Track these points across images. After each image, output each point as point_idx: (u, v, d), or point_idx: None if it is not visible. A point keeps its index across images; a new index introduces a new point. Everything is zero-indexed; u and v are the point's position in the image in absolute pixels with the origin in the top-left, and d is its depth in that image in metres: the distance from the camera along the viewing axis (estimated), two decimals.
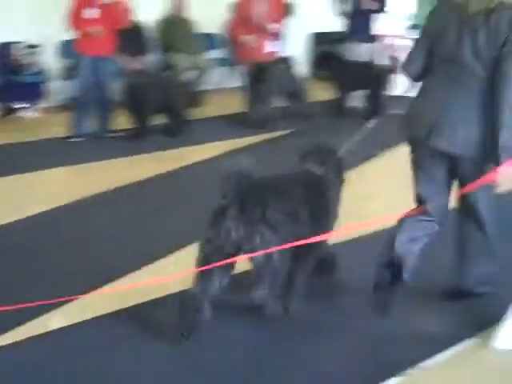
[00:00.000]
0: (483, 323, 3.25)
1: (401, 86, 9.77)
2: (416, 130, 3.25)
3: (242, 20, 7.86)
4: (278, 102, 7.84)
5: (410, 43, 10.24)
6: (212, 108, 8.27)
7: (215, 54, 9.33)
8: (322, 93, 8.84)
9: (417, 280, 3.35)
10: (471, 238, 3.34)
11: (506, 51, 2.97)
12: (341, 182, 3.55)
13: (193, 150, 6.76)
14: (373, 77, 8.18)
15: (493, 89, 3.00)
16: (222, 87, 9.35)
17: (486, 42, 3.01)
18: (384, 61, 9.55)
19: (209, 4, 8.96)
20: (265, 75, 7.47)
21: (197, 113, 7.89)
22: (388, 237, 3.35)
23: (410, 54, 3.38)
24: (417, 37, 3.38)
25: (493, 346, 3.06)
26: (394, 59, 10.43)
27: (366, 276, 3.38)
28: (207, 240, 3.01)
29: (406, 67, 3.39)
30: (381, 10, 8.80)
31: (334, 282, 3.65)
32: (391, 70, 8.52)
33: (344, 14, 8.66)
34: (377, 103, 8.12)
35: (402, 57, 9.73)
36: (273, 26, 7.93)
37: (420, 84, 3.36)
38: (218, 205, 2.99)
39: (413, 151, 3.33)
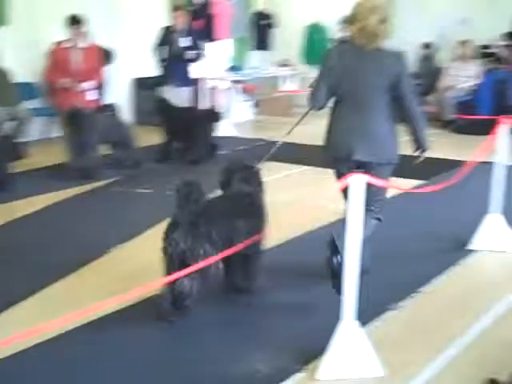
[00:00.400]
0: (308, 355, 3.40)
1: (224, 127, 10.14)
2: (339, 150, 4.09)
3: (58, 67, 7.75)
4: (102, 150, 7.76)
5: (229, 85, 10.69)
6: (35, 160, 8.00)
7: (35, 103, 9.08)
8: (148, 138, 8.89)
9: None
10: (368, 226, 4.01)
11: (402, 80, 3.92)
12: (262, 192, 4.24)
13: (17, 204, 6.52)
14: (197, 121, 8.30)
15: (402, 106, 3.98)
16: (44, 138, 9.14)
17: (379, 72, 3.93)
18: (206, 104, 9.81)
19: (25, 53, 8.76)
20: (85, 123, 7.37)
21: (19, 165, 7.62)
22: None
23: (314, 90, 4.09)
24: (318, 75, 4.09)
25: (318, 378, 3.21)
26: (215, 101, 10.76)
27: None
28: (163, 249, 3.69)
29: (312, 101, 4.11)
30: (198, 57, 8.97)
31: None
32: (214, 112, 8.72)
33: (162, 59, 8.73)
34: (204, 146, 8.26)
35: (223, 99, 10.12)
36: (91, 74, 7.89)
37: (330, 113, 4.18)
38: (172, 217, 3.68)
39: (336, 167, 4.18)
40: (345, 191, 3.71)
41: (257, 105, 12.45)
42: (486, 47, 11.03)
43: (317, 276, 4.30)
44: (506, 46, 10.33)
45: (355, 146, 4.00)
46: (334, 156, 4.15)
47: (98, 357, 3.45)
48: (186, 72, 8.83)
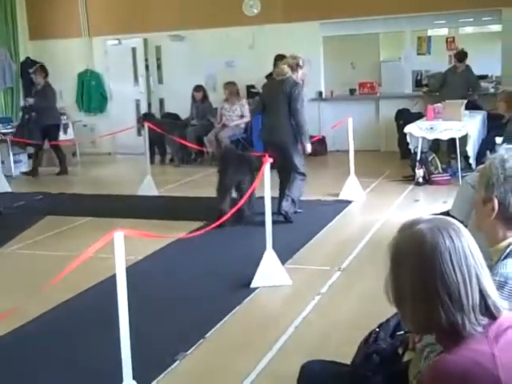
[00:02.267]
0: None
1: None
2: (265, 136, 7.12)
3: None
4: None
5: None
6: None
7: None
8: None
9: None
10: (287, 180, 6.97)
11: (293, 98, 6.73)
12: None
13: None
14: None
15: (293, 115, 6.75)
16: None
17: (284, 93, 6.73)
18: None
19: None
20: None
21: None
22: None
23: (255, 107, 7.64)
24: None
25: None
26: None
27: None
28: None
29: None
30: None
31: None
32: None
33: None
34: None
35: None
36: None
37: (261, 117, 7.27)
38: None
39: (265, 147, 6.97)
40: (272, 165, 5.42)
41: (32, 157, 11.93)
42: (252, 87, 11.62)
43: (103, 333, 4.19)
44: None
45: (272, 134, 6.94)
46: (263, 140, 7.18)
47: None
48: None
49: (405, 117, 10.27)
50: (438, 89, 10.33)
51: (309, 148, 7.02)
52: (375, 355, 2.34)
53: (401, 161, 10.09)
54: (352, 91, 11.82)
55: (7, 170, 10.52)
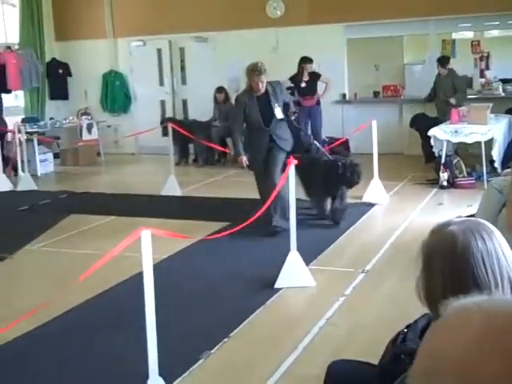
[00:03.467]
0: None
1: (24, 181, 9.73)
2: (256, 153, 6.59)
3: None
4: None
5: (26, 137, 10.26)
6: None
7: None
8: None
9: None
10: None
11: (286, 99, 6.65)
12: None
13: None
14: None
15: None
16: None
17: (275, 102, 6.36)
18: None
19: None
20: None
21: None
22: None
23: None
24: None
25: None
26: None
27: None
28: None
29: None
30: None
31: None
32: None
33: None
34: None
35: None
36: None
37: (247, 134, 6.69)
38: None
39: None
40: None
41: (58, 156, 12.09)
42: None
43: (129, 330, 4.24)
44: (289, 88, 10.97)
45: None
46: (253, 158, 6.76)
47: None
48: None
49: (420, 123, 10.19)
50: (433, 96, 10.27)
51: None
52: (403, 356, 2.33)
53: (424, 164, 10.04)
54: (376, 94, 11.79)
55: (33, 169, 10.64)
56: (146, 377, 3.20)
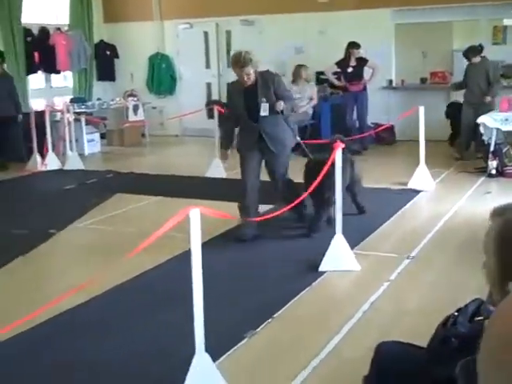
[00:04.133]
0: None
1: (72, 160, 9.90)
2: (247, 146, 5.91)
3: None
4: None
5: (74, 117, 10.45)
6: None
7: None
8: None
9: None
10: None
11: (282, 95, 5.75)
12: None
13: None
14: None
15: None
16: None
17: (262, 96, 5.62)
18: None
19: None
20: None
21: None
22: None
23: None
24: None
25: None
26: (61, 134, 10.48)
27: None
28: None
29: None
30: None
31: None
32: None
33: None
34: None
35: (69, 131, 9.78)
36: None
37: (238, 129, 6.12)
38: None
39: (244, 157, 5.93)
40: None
41: (104, 136, 12.25)
42: (321, 73, 11.56)
43: (174, 308, 4.31)
44: (335, 73, 10.91)
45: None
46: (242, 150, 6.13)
47: None
48: None
49: (455, 110, 9.89)
50: (462, 84, 9.85)
51: None
52: (453, 339, 2.32)
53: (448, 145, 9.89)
54: (423, 80, 11.63)
55: (80, 148, 10.82)
56: (193, 353, 3.24)
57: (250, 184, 5.94)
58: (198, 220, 3.27)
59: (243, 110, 5.79)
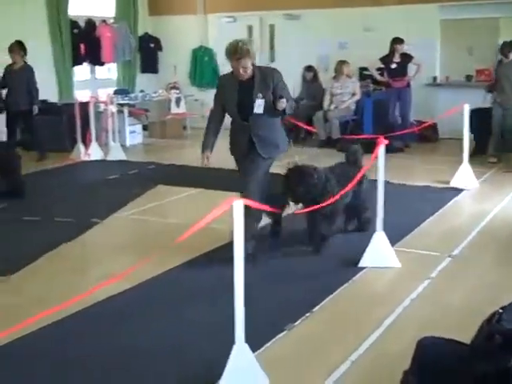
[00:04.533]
0: (205, 380, 3.38)
1: (115, 151, 10.04)
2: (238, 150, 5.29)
3: None
4: None
5: (118, 108, 10.58)
6: None
7: None
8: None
9: None
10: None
11: (281, 94, 4.95)
12: None
13: None
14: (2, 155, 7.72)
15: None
16: None
17: (258, 91, 4.98)
18: None
19: None
20: None
21: None
22: None
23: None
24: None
25: None
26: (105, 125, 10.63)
27: None
28: None
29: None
30: None
31: None
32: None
33: None
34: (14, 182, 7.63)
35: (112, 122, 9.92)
36: None
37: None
38: None
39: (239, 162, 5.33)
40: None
41: (146, 128, 12.38)
42: (365, 69, 11.49)
43: (216, 298, 4.37)
44: (379, 69, 10.82)
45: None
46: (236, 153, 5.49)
47: None
48: None
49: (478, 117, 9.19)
50: (495, 85, 9.50)
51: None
52: (498, 336, 2.31)
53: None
54: (468, 78, 11.45)
55: (122, 139, 10.95)
56: (233, 342, 3.27)
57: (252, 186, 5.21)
58: (241, 211, 3.30)
59: (234, 106, 5.13)
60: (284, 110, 5.05)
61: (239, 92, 5.11)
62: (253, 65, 5.04)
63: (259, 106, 5.05)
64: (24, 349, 3.79)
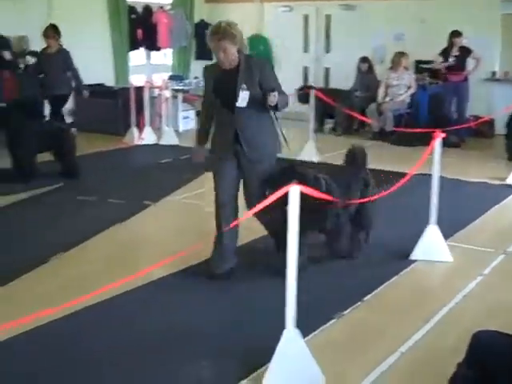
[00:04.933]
0: (253, 364, 3.41)
1: (168, 135, 10.14)
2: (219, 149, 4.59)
3: None
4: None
5: (172, 94, 10.66)
6: None
7: None
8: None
9: None
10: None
11: (271, 87, 4.33)
12: None
13: None
14: (58, 136, 7.88)
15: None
16: None
17: (242, 82, 4.35)
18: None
19: None
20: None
21: None
22: None
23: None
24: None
25: None
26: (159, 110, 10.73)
27: None
28: None
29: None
30: None
31: None
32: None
33: None
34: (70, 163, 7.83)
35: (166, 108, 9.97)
36: None
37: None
38: None
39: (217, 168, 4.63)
40: None
41: (199, 114, 12.43)
42: (421, 62, 11.32)
43: (269, 280, 4.41)
44: (441, 62, 10.63)
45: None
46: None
47: None
48: None
49: None
50: None
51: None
52: None
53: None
54: None
55: (175, 124, 11.06)
56: (284, 327, 3.28)
57: (224, 206, 4.65)
58: (297, 197, 3.30)
59: (216, 97, 4.53)
60: (276, 106, 4.38)
61: (221, 82, 4.51)
62: (239, 52, 4.44)
63: (243, 99, 4.41)
64: (92, 314, 3.93)
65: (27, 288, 4.49)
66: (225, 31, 4.34)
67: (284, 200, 3.38)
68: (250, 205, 4.53)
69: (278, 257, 4.08)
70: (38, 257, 5.04)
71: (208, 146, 4.76)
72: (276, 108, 4.45)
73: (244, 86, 4.40)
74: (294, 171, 4.52)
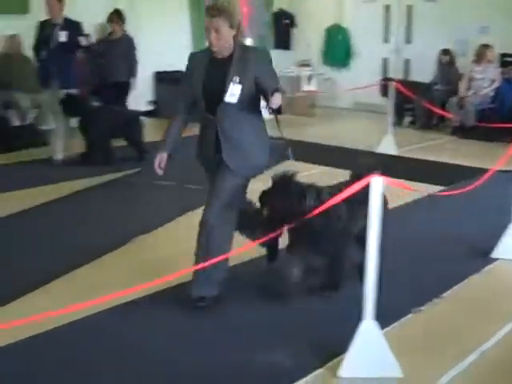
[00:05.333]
0: (329, 353, 3.41)
1: None
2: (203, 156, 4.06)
3: None
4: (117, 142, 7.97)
5: None
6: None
7: None
8: None
9: None
10: None
11: (268, 83, 3.70)
12: None
13: (43, 189, 6.70)
14: (129, 122, 8.04)
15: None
16: None
17: (235, 74, 3.76)
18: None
19: None
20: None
21: (37, 153, 7.75)
22: None
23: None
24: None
25: (338, 375, 3.23)
26: None
27: None
28: None
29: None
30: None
31: None
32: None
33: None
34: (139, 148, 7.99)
35: None
36: None
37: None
38: None
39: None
40: None
41: None
42: (506, 55, 10.96)
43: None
44: None
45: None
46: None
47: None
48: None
49: None
50: None
51: None
52: None
53: None
54: None
55: None
56: (362, 318, 3.26)
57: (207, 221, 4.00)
58: (380, 188, 3.26)
59: (200, 89, 3.86)
60: (279, 109, 3.67)
61: (209, 72, 3.87)
62: (235, 40, 3.83)
63: (233, 93, 3.78)
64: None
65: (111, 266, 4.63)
66: (221, 7, 3.72)
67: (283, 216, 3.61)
68: (208, 206, 4.01)
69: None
70: (118, 238, 5.20)
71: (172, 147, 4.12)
72: (279, 111, 3.72)
73: (236, 78, 3.78)
74: (287, 185, 4.12)
